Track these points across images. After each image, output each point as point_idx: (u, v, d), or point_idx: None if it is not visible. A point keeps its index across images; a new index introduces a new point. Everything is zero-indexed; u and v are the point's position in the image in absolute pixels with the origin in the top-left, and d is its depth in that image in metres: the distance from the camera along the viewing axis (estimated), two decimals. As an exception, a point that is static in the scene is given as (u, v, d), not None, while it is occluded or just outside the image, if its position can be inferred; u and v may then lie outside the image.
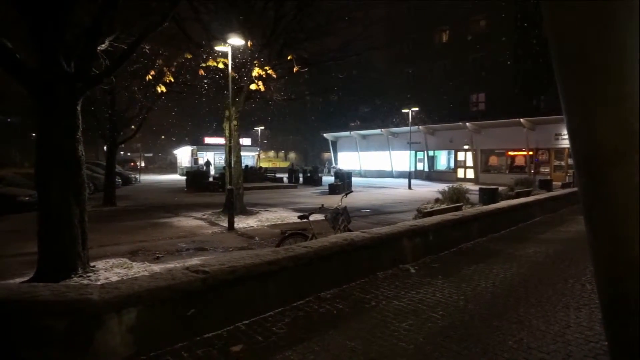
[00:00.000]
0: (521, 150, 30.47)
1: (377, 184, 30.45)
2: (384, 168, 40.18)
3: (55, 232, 6.25)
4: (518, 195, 13.44)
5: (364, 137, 42.73)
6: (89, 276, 6.43)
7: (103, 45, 7.20)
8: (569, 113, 1.64)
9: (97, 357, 3.19)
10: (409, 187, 26.30)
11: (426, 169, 37.21)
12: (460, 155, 34.53)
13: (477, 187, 15.71)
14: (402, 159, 37.31)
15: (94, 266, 6.90)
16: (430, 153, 37.02)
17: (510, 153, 31.43)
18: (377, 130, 39.98)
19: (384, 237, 6.01)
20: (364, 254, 5.65)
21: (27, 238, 9.13)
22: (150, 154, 75.16)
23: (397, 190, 25.10)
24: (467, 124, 31.78)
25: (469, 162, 33.61)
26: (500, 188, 14.85)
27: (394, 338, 3.79)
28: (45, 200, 6.28)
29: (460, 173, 34.13)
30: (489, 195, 12.99)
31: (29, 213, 13.96)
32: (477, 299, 4.85)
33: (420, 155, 37.59)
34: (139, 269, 7.16)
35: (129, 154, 72.00)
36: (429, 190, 22.91)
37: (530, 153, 29.75)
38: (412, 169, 33.58)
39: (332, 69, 18.54)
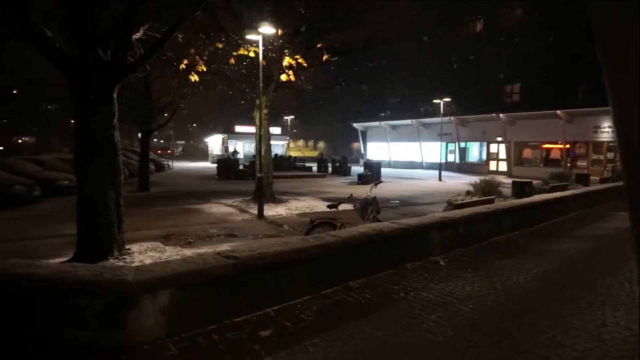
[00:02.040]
0: (557, 143, 29.51)
1: (406, 175, 30.16)
2: (413, 159, 39.72)
3: (93, 216, 6.48)
4: (553, 190, 13.03)
5: (394, 127, 42.30)
6: (124, 258, 6.65)
7: (138, 34, 7.34)
8: (616, 105, 1.57)
9: (132, 336, 3.30)
10: (439, 179, 25.93)
11: (457, 160, 36.56)
12: (493, 148, 33.74)
13: (509, 180, 15.33)
14: (432, 150, 36.77)
15: (129, 249, 7.12)
16: (462, 145, 36.33)
17: (545, 146, 30.49)
18: (408, 121, 39.49)
19: (413, 229, 5.95)
20: (392, 244, 5.61)
21: (67, 220, 9.51)
22: (183, 142, 76.75)
23: (427, 182, 24.79)
24: (501, 115, 30.97)
25: (502, 155, 32.80)
26: (534, 182, 14.43)
27: (422, 330, 3.76)
28: (83, 184, 6.51)
29: (493, 165, 33.36)
30: (522, 189, 12.64)
31: (68, 196, 14.53)
32: (508, 294, 4.75)
33: (451, 146, 36.95)
34: (172, 252, 7.35)
35: (161, 141, 73.73)
36: (460, 182, 22.52)
37: (567, 146, 28.77)
38: (443, 161, 33.03)
39: (361, 58, 18.34)
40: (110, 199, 6.59)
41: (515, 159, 31.97)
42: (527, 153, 31.88)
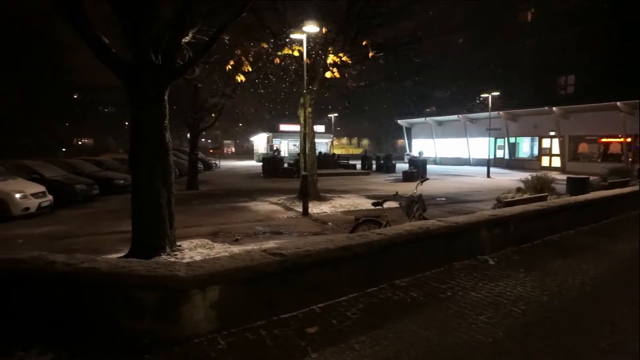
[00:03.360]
0: (617, 136, 27.78)
1: (453, 172, 29.44)
2: (460, 155, 38.68)
3: (146, 213, 6.78)
4: (612, 186, 12.30)
5: (439, 123, 41.36)
6: (175, 254, 6.91)
7: (187, 38, 7.59)
8: None
9: (183, 329, 3.43)
10: (488, 176, 25.12)
11: (506, 156, 35.23)
12: (545, 142, 32.24)
13: (564, 177, 14.62)
14: (480, 146, 35.64)
15: (179, 245, 7.39)
16: (512, 140, 34.96)
17: (604, 140, 28.78)
18: (454, 116, 38.48)
19: (461, 227, 5.81)
20: (439, 243, 5.51)
21: (122, 217, 10.00)
22: (229, 141, 78.64)
23: (475, 179, 24.09)
24: (554, 108, 29.52)
25: (555, 150, 31.29)
26: (590, 178, 13.67)
27: (470, 330, 3.67)
28: (137, 183, 6.82)
29: (545, 161, 31.90)
30: (577, 185, 12.01)
31: (123, 195, 15.27)
32: (563, 296, 4.55)
33: (500, 142, 35.66)
34: (220, 249, 7.56)
35: (209, 140, 75.85)
36: (510, 179, 21.72)
37: (628, 140, 27.02)
38: (491, 157, 31.90)
39: (407, 53, 18.05)
40: (162, 197, 6.86)
41: (570, 154, 30.39)
42: (582, 148, 30.22)
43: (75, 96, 43.38)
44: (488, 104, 28.22)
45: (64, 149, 46.55)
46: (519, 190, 12.08)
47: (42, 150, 36.99)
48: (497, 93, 28.30)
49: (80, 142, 59.77)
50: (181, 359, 3.16)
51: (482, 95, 30.89)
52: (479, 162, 34.64)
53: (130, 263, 3.68)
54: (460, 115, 37.66)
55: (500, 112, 32.91)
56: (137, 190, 6.82)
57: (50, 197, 12.57)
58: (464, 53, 42.44)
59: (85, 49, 6.63)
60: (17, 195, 11.45)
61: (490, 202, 12.21)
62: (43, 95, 33.83)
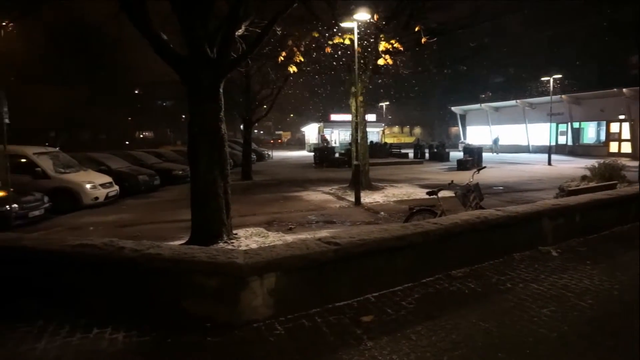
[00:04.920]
0: (697, 119, 25.49)
1: (511, 160, 28.26)
2: (519, 142, 37.04)
3: (204, 202, 7.04)
4: (691, 173, 11.30)
5: (496, 109, 39.74)
6: (232, 242, 7.14)
7: (240, 31, 7.74)
8: None
9: (242, 314, 3.55)
10: (549, 163, 23.89)
11: (569, 142, 33.34)
12: (614, 127, 30.16)
13: (635, 163, 13.62)
14: (540, 132, 33.96)
15: (236, 234, 7.63)
16: (575, 125, 33.03)
17: (682, 123, 26.50)
18: (512, 102, 36.83)
19: (521, 216, 5.57)
20: (498, 233, 5.32)
21: (181, 206, 10.47)
22: (280, 132, 79.75)
23: (535, 167, 23.00)
24: (624, 90, 27.48)
25: (625, 135, 29.19)
26: (666, 164, 12.63)
27: (532, 324, 3.53)
28: (195, 174, 7.10)
29: (614, 147, 29.86)
30: (651, 173, 11.15)
31: (182, 185, 15.95)
32: (636, 290, 4.26)
33: (562, 127, 33.78)
34: (274, 238, 7.73)
35: (261, 132, 77.34)
36: (573, 166, 20.53)
37: None
38: (553, 143, 30.25)
39: (461, 38, 17.37)
40: (219, 187, 7.10)
41: (642, 139, 28.26)
42: (657, 132, 28.00)
43: (136, 92, 45.67)
44: (549, 87, 26.72)
45: (127, 142, 49.19)
46: (584, 178, 11.40)
47: (108, 144, 39.38)
48: (559, 75, 26.72)
49: (141, 135, 62.89)
50: (241, 343, 3.27)
51: (542, 79, 29.25)
52: (538, 149, 33.03)
53: (192, 250, 3.85)
54: (518, 100, 36.00)
55: (563, 96, 31.14)
56: (195, 181, 7.09)
57: (116, 187, 13.36)
58: (521, 35, 40.29)
59: (145, 47, 6.94)
60: (88, 186, 12.26)
61: (552, 191, 11.62)
62: (107, 92, 35.96)
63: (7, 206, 8.89)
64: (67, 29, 29.68)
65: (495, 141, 36.10)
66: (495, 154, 34.27)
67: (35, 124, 29.81)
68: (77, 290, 3.86)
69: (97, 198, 12.37)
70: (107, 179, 13.25)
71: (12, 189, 8.95)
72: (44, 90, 31.44)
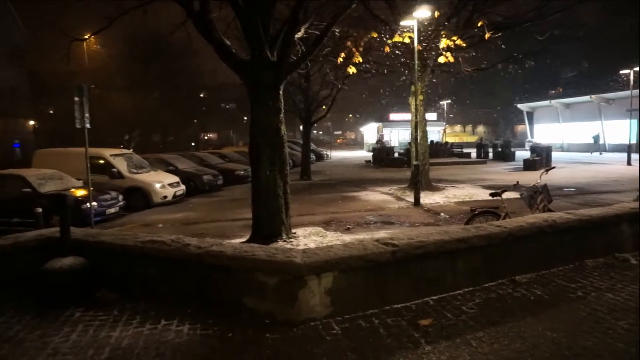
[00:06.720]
0: None
1: (583, 159, 26.47)
2: (593, 141, 34.54)
3: (264, 202, 7.24)
4: None
5: (567, 106, 37.38)
6: (291, 241, 7.28)
7: (299, 33, 7.87)
8: None
9: (300, 312, 3.62)
10: (628, 163, 22.11)
11: (652, 140, 30.58)
12: None
13: None
14: (618, 130, 31.42)
15: (294, 233, 7.77)
16: (659, 121, 30.21)
17: None
18: (586, 97, 34.44)
19: (594, 220, 5.21)
20: (568, 237, 5.01)
21: (243, 205, 10.82)
22: (340, 132, 79.99)
23: (611, 167, 21.39)
24: None
25: None
26: None
27: (607, 336, 3.29)
28: (256, 174, 7.31)
29: (703, 145, 27.06)
30: None
31: (244, 185, 16.48)
32: None
33: (644, 124, 31.06)
34: (332, 237, 7.79)
35: (320, 132, 77.99)
36: (657, 166, 18.85)
37: None
38: (633, 142, 27.91)
39: (528, 31, 16.45)
40: (279, 187, 7.26)
41: None
42: None
43: (201, 95, 47.74)
44: (629, 81, 24.70)
45: (193, 144, 51.47)
46: (669, 179, 10.45)
47: (176, 146, 41.46)
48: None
49: (206, 137, 65.56)
50: (298, 341, 3.33)
51: (621, 72, 27.08)
52: (615, 148, 30.64)
53: (253, 248, 3.97)
54: (593, 96, 33.60)
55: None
56: (256, 180, 7.31)
57: (183, 186, 14.06)
58: (594, 27, 37.56)
59: (209, 53, 7.26)
60: (157, 185, 13.01)
61: (632, 193, 10.76)
62: (176, 96, 37.95)
63: (88, 204, 9.64)
64: (143, 39, 31.76)
65: (595, 138, 33.05)
66: (598, 154, 31.69)
67: (111, 128, 32.05)
68: (147, 284, 4.12)
69: (165, 197, 13.09)
70: (174, 178, 13.98)
71: (92, 188, 9.69)
72: (120, 96, 33.76)
